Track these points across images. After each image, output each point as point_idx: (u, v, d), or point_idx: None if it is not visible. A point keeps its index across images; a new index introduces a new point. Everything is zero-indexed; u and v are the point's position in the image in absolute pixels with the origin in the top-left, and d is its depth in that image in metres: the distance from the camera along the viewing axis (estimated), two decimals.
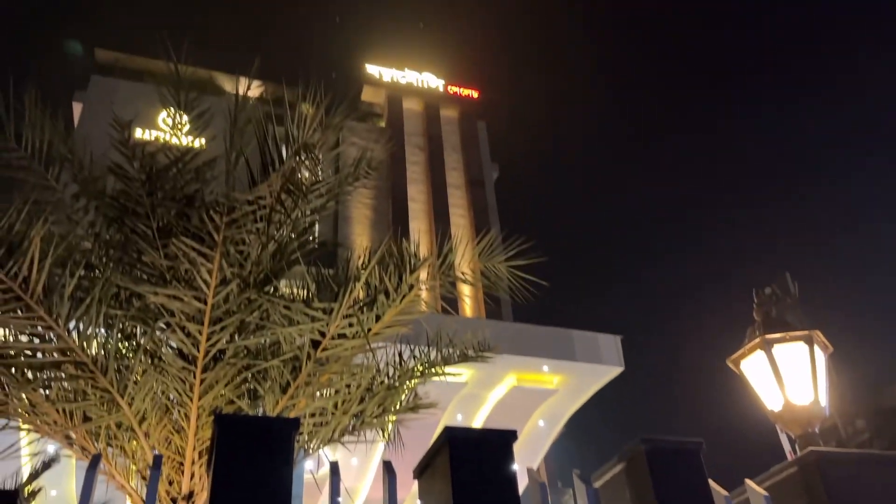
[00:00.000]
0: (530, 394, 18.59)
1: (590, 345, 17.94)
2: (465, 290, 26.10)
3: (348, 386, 6.00)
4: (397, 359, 6.83)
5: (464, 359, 6.90)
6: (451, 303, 23.17)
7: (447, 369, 6.88)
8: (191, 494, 5.21)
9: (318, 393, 5.92)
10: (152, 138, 25.20)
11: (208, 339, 4.92)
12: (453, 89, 34.16)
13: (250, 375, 5.45)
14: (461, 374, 15.20)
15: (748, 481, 3.98)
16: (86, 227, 5.37)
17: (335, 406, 5.89)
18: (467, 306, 27.46)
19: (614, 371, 18.33)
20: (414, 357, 6.91)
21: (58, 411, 4.94)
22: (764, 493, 3.93)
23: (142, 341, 5.08)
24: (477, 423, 18.13)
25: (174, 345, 5.18)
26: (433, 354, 6.95)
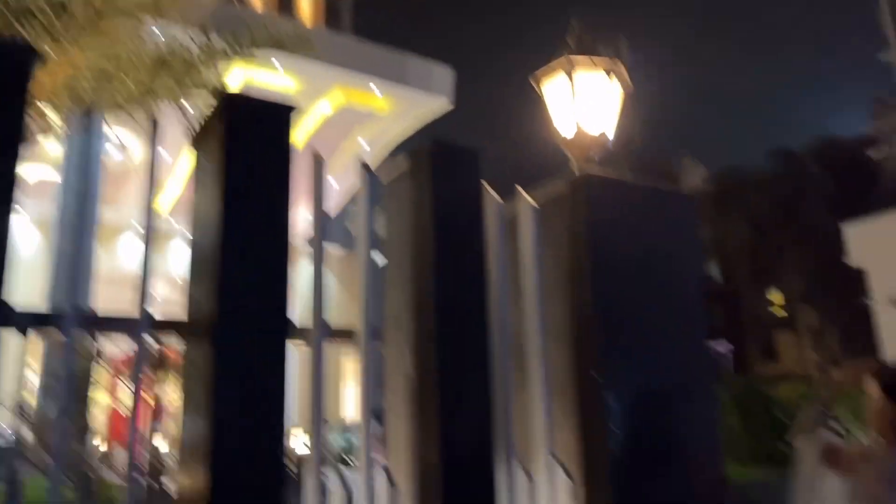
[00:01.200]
0: (357, 115, 18.44)
1: (422, 73, 17.70)
2: None
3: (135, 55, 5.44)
4: (202, 38, 6.27)
5: (277, 45, 6.46)
6: (286, 7, 21.46)
7: (271, 72, 6.47)
8: None
9: (99, 54, 5.31)
10: None
11: None
12: None
13: (15, 18, 4.72)
14: (280, 71, 14.34)
15: (520, 189, 4.16)
16: None
17: (119, 70, 5.34)
18: (307, 19, 25.61)
19: (443, 103, 18.45)
20: (222, 37, 6.38)
21: None
22: (533, 202, 4.16)
23: None
24: (298, 135, 17.92)
25: None
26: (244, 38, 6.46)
